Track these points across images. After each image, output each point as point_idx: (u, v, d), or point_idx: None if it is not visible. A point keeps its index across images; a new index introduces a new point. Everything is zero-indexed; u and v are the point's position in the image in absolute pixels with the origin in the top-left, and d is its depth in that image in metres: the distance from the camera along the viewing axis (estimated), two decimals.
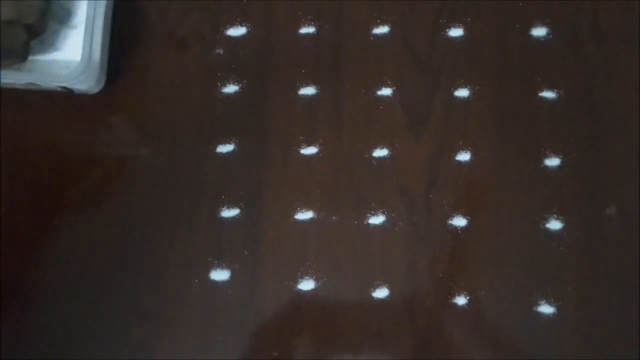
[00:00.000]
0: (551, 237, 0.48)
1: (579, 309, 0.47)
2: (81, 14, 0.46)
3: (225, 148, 0.50)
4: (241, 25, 0.51)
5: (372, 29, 0.51)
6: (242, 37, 0.51)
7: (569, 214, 0.48)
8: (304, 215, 0.49)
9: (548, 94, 0.50)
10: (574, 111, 0.49)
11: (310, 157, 0.50)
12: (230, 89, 0.50)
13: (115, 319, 0.48)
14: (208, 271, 0.48)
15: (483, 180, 0.49)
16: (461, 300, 0.48)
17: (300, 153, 0.50)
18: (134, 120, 0.51)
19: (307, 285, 0.48)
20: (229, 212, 0.49)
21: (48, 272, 0.49)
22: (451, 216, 0.49)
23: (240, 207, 0.49)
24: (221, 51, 0.51)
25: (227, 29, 0.51)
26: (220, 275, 0.48)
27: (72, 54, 0.46)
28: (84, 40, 0.45)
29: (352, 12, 0.51)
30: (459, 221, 0.49)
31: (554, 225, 0.48)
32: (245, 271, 0.48)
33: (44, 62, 0.46)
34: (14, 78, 0.46)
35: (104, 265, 0.48)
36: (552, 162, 0.49)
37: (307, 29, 0.51)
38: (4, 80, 0.46)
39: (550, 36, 0.50)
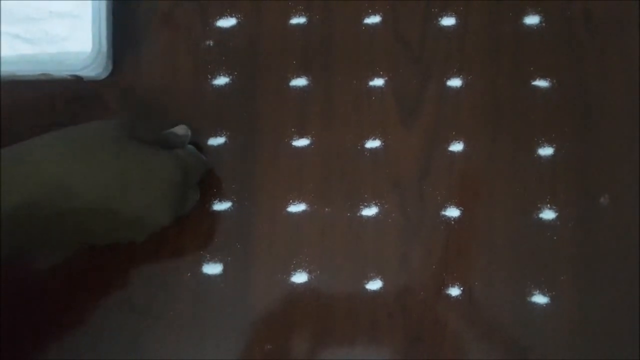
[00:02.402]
0: (545, 227, 0.48)
1: (572, 299, 0.47)
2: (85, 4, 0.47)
3: (216, 141, 0.49)
4: (231, 17, 0.50)
5: (363, 19, 0.50)
6: (232, 28, 0.50)
7: (562, 204, 0.48)
8: (297, 207, 0.49)
9: (541, 83, 0.49)
10: (567, 100, 0.49)
11: (302, 149, 0.49)
12: (221, 80, 0.50)
13: (106, 314, 0.48)
14: (200, 265, 0.48)
15: (476, 170, 0.49)
16: (455, 291, 0.48)
17: (292, 145, 0.49)
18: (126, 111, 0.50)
19: (300, 278, 0.48)
20: (220, 205, 0.49)
21: (36, 267, 0.48)
22: (444, 207, 0.48)
23: (232, 200, 0.49)
24: (211, 43, 0.50)
25: (216, 20, 0.50)
26: (212, 269, 0.48)
27: (82, 44, 0.47)
28: (93, 30, 0.46)
29: (343, 2, 0.50)
30: (452, 212, 0.48)
31: (548, 215, 0.48)
32: (237, 265, 0.48)
33: (54, 54, 0.47)
34: (29, 70, 0.47)
35: (94, 259, 0.48)
36: (546, 151, 0.49)
37: (298, 20, 0.50)
38: (18, 72, 0.47)
39: (543, 24, 0.50)
